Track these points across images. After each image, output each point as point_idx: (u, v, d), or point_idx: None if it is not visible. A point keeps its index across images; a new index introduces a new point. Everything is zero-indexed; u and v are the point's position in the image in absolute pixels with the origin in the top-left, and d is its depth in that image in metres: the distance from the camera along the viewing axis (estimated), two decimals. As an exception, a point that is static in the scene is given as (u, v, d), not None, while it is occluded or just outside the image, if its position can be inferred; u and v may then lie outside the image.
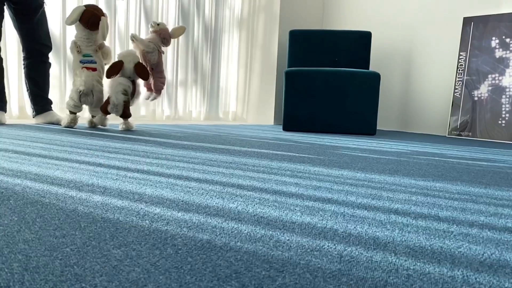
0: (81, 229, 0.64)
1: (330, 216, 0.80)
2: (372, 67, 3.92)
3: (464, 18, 3.30)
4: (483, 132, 3.14)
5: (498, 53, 3.11)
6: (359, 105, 3.04)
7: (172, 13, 3.63)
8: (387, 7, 3.85)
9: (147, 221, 0.70)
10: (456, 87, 3.32)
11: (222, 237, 0.64)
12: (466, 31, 3.29)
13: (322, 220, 0.77)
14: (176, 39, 3.65)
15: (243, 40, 4.09)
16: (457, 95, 3.31)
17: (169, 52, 3.63)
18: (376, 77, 3.02)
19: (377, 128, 3.96)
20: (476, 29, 3.24)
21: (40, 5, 2.53)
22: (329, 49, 3.50)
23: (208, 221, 0.72)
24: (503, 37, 3.09)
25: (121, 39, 3.34)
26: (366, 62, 3.48)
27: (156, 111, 3.57)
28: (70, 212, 0.73)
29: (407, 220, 0.79)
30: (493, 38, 3.14)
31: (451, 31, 3.45)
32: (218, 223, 0.71)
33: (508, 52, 3.07)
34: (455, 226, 0.77)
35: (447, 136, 3.35)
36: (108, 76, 2.41)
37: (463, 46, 3.30)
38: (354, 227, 0.73)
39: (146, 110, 3.53)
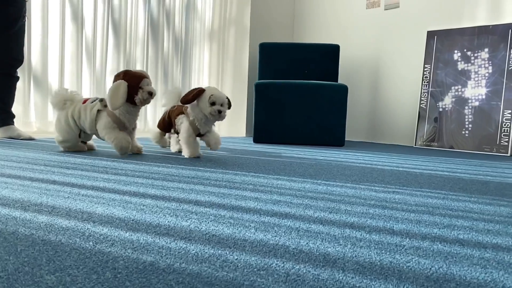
0: (16, 254, 0.60)
1: (284, 232, 0.78)
2: (341, 79, 3.98)
3: (428, 31, 3.41)
4: (449, 142, 3.22)
5: (460, 65, 3.22)
6: (327, 117, 3.07)
7: (141, 25, 3.59)
8: (355, 20, 3.94)
9: (91, 243, 0.67)
10: (422, 98, 3.40)
11: (167, 258, 0.62)
12: (430, 44, 3.39)
13: (276, 236, 0.75)
14: (145, 50, 3.61)
15: (214, 52, 4.09)
16: (423, 106, 3.39)
17: (138, 64, 3.59)
18: (343, 89, 3.07)
19: (346, 139, 4.01)
20: (440, 42, 3.34)
21: (20, 17, 2.45)
22: (298, 61, 3.54)
23: (156, 241, 0.69)
24: (465, 50, 3.21)
25: (88, 51, 3.28)
26: (334, 75, 3.53)
27: (125, 124, 3.50)
28: (8, 235, 0.69)
29: (361, 234, 0.79)
30: (455, 51, 3.25)
31: (416, 44, 3.55)
32: (166, 243, 0.69)
33: (469, 64, 3.18)
34: (407, 240, 0.77)
35: (414, 146, 3.42)
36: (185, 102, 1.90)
37: (427, 59, 3.40)
38: (307, 243, 0.72)
39: (114, 123, 3.46)
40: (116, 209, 0.89)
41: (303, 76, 3.52)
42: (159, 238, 0.71)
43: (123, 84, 1.77)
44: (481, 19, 3.19)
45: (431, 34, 3.39)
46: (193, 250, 0.66)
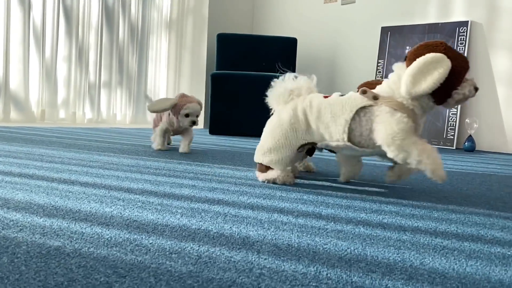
0: None
1: (210, 217, 0.77)
2: (298, 72, 4.01)
3: (382, 27, 3.49)
4: (399, 135, 3.32)
5: (412, 61, 3.32)
6: (283, 109, 3.09)
7: (95, 12, 3.46)
8: (313, 15, 3.97)
9: (-3, 229, 0.63)
10: (376, 92, 3.49)
11: (76, 243, 0.59)
12: (383, 39, 3.48)
13: (200, 221, 0.74)
14: (99, 38, 3.48)
15: (172, 42, 4.01)
16: (376, 100, 3.48)
17: (91, 52, 3.46)
18: (300, 81, 3.09)
19: (305, 132, 4.05)
20: (393, 38, 3.43)
21: None
22: (256, 53, 3.53)
23: (71, 226, 0.67)
24: (416, 46, 3.30)
25: (36, 38, 3.12)
26: (292, 67, 3.55)
27: (77, 113, 3.38)
28: None
29: (287, 219, 0.79)
30: (407, 47, 3.35)
31: (371, 39, 3.63)
32: (81, 228, 0.66)
33: (420, 60, 3.28)
34: (332, 223, 0.78)
35: (368, 139, 3.50)
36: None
37: (381, 54, 3.48)
38: (230, 227, 0.72)
39: (65, 112, 3.33)
40: (38, 195, 0.85)
41: (261, 68, 3.52)
42: (75, 224, 0.68)
43: (447, 62, 1.01)
44: (431, 17, 3.30)
45: (384, 30, 3.47)
46: (108, 235, 0.64)
